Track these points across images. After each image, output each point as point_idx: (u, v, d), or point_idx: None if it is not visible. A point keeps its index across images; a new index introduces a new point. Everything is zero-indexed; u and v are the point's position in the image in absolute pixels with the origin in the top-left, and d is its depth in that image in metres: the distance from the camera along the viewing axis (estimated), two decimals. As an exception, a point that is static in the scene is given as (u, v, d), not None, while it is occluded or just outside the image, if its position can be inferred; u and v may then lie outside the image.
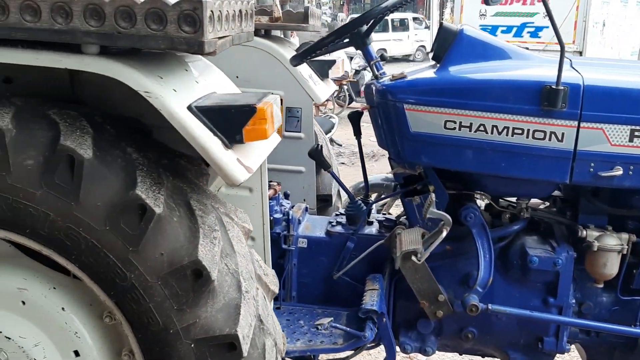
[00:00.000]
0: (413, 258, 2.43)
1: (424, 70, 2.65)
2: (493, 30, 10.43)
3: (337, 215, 3.07)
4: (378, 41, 23.61)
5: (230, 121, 1.73)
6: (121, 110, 2.03)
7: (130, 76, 1.69)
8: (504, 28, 10.43)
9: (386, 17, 3.34)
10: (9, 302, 1.97)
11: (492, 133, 2.39)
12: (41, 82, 2.09)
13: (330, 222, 2.98)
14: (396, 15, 25.25)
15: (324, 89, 3.82)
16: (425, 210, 2.43)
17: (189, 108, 1.73)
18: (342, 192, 3.78)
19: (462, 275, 2.72)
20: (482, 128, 2.40)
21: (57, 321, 1.97)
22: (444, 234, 2.40)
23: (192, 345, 1.80)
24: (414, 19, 28.62)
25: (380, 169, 7.93)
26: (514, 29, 10.42)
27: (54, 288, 1.99)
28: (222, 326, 1.80)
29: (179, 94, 1.74)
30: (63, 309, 1.97)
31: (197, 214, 1.86)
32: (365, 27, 2.69)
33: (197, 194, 1.95)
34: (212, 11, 1.61)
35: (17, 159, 1.73)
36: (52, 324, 1.97)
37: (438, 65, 2.58)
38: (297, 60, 2.82)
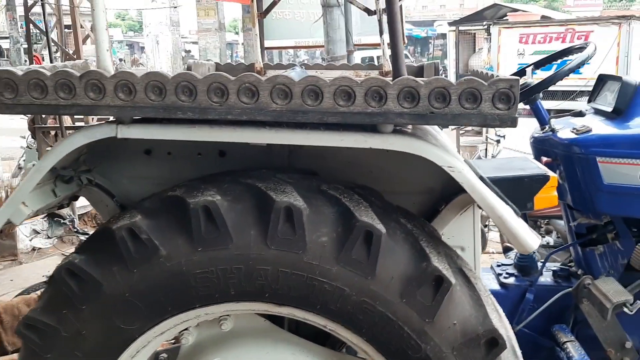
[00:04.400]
0: (625, 309, 2.47)
1: (605, 123, 2.72)
2: (532, 69, 10.54)
3: (499, 265, 3.11)
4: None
5: (522, 190, 1.79)
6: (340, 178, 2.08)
7: (432, 153, 1.74)
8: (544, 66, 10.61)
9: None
10: (281, 378, 1.98)
11: (687, 181, 2.46)
12: (255, 155, 2.16)
13: (497, 274, 3.02)
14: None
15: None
16: (637, 261, 2.47)
17: (482, 179, 1.78)
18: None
19: (648, 321, 2.75)
20: (682, 178, 2.47)
21: (329, 395, 1.98)
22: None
23: (485, 413, 1.81)
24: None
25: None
26: (554, 66, 10.58)
27: (321, 362, 2.01)
28: (513, 393, 1.82)
29: (469, 166, 1.80)
30: (332, 383, 1.99)
31: (471, 280, 1.89)
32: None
33: (459, 259, 1.99)
34: None
35: (313, 237, 1.77)
36: (320, 399, 1.98)
37: (619, 117, 2.66)
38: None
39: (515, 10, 15.42)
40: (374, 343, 1.82)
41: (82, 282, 1.83)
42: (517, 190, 1.78)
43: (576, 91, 7.98)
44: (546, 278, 2.96)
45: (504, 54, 11.11)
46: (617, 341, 2.69)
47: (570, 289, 2.76)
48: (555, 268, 3.00)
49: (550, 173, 1.78)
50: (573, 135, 2.65)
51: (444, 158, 1.74)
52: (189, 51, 38.03)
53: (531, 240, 1.78)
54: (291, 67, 3.02)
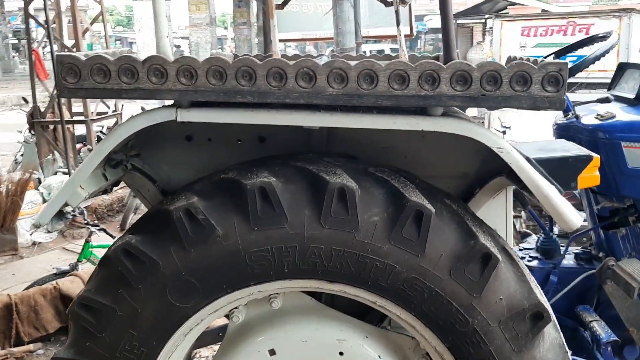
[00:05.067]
0: (651, 288, 2.56)
1: (628, 110, 2.80)
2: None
3: (521, 250, 3.19)
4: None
5: (567, 170, 1.86)
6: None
7: (483, 134, 1.81)
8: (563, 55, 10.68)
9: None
10: (328, 353, 2.05)
11: None
12: (294, 140, 2.22)
13: (520, 257, 3.09)
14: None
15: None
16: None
17: (528, 160, 1.85)
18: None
19: (669, 301, 2.84)
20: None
21: (373, 369, 2.05)
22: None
23: (528, 385, 1.88)
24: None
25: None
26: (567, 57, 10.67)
27: (367, 337, 2.08)
28: (555, 365, 1.90)
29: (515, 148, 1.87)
30: (379, 357, 2.06)
31: (513, 257, 1.97)
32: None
33: (500, 237, 2.06)
34: None
35: (365, 216, 1.83)
36: (369, 372, 2.05)
37: (640, 103, 2.74)
38: None
39: (514, 3, 15.54)
40: (422, 318, 1.89)
41: (138, 262, 1.89)
42: (562, 170, 1.86)
43: (581, 83, 8.12)
44: (569, 261, 3.05)
45: (506, 47, 11.22)
46: (639, 320, 2.78)
47: (593, 271, 2.85)
48: (577, 251, 3.08)
49: (593, 154, 1.86)
50: (597, 122, 2.73)
51: (493, 139, 1.81)
52: (179, 46, 37.91)
53: (575, 217, 1.85)
54: (319, 57, 3.07)
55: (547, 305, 1.88)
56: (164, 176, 2.40)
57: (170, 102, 1.90)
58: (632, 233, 2.83)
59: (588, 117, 2.82)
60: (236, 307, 2.08)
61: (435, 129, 1.83)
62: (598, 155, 1.85)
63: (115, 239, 2.30)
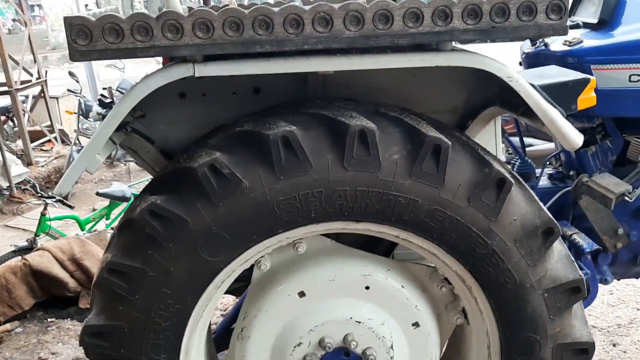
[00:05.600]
0: (625, 198, 2.77)
1: (594, 34, 2.95)
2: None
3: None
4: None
5: (567, 93, 1.98)
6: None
7: (493, 65, 1.89)
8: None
9: None
10: (355, 289, 2.14)
11: (671, 80, 2.76)
12: (289, 88, 2.25)
13: None
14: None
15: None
16: (634, 153, 2.77)
17: (533, 86, 1.96)
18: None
19: (635, 209, 3.09)
20: (663, 76, 2.75)
21: (399, 299, 2.17)
22: (653, 173, 2.76)
23: (544, 295, 2.04)
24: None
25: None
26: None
27: (389, 270, 2.18)
28: (566, 274, 2.06)
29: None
30: (402, 286, 2.17)
31: (519, 180, 2.10)
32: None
33: (504, 163, 2.18)
34: None
35: (385, 155, 1.90)
36: (395, 302, 2.16)
37: (604, 27, 2.90)
38: None
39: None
40: (444, 246, 2.00)
41: (167, 222, 1.90)
42: (563, 94, 1.98)
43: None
44: (544, 182, 3.24)
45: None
46: (611, 229, 3.02)
47: (569, 188, 3.05)
48: (550, 172, 3.28)
49: (589, 76, 1.98)
50: (566, 47, 2.87)
51: (503, 70, 1.89)
52: (87, 5, 36.00)
53: (577, 137, 1.99)
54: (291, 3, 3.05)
55: (555, 221, 2.03)
56: (162, 136, 2.37)
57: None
58: (600, 150, 3.04)
59: (556, 43, 2.96)
60: (262, 256, 2.13)
61: (449, 64, 1.89)
62: (594, 77, 1.98)
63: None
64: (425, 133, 1.91)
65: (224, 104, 2.31)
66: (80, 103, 9.57)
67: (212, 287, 2.00)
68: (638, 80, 2.77)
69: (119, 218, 2.13)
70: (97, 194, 6.34)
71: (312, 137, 1.90)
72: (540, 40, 3.02)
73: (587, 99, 2.00)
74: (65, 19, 1.71)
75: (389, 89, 2.30)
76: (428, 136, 1.90)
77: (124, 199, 6.27)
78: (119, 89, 11.42)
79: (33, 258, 4.47)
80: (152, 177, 2.43)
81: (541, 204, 2.05)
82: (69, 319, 4.40)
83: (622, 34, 2.83)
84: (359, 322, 2.13)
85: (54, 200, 5.55)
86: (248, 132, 1.94)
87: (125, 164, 10.32)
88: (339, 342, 2.13)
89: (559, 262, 2.08)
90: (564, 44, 2.92)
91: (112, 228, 6.12)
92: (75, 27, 1.71)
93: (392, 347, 2.15)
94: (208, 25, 1.74)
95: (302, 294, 2.13)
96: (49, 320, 4.38)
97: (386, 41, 1.81)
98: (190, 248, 1.92)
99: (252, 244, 1.96)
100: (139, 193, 6.94)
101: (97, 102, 9.34)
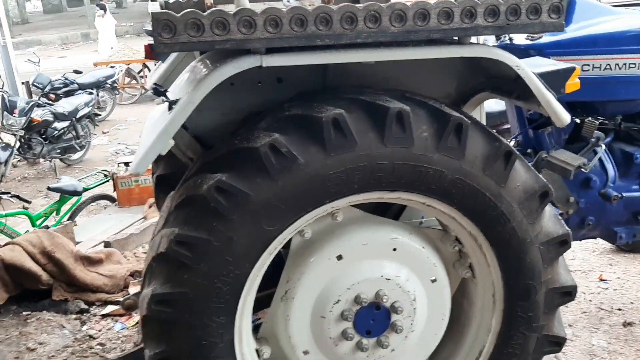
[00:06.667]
0: (582, 169, 3.26)
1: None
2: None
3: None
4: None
5: (557, 79, 2.40)
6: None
7: (505, 56, 2.26)
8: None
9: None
10: (384, 251, 2.47)
11: (614, 69, 3.28)
12: (309, 78, 2.54)
13: None
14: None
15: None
16: (588, 132, 3.26)
17: (534, 74, 2.35)
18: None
19: (582, 180, 3.61)
20: (608, 67, 3.27)
21: (420, 258, 2.51)
22: (603, 147, 3.27)
23: (540, 247, 2.45)
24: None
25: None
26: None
27: (411, 234, 2.52)
28: (556, 229, 2.49)
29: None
30: (423, 247, 2.52)
31: (517, 152, 2.49)
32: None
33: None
34: None
35: (417, 133, 2.23)
36: (417, 261, 2.51)
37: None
38: None
39: None
40: (462, 210, 2.37)
41: (230, 196, 2.13)
42: (554, 80, 2.39)
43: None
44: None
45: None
46: (564, 198, 3.53)
47: (530, 164, 3.52)
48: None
49: (575, 65, 2.40)
50: (529, 42, 3.33)
51: (513, 59, 2.27)
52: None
53: (566, 115, 2.41)
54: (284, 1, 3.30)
55: (550, 185, 2.45)
56: (193, 122, 2.57)
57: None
58: (555, 129, 3.53)
59: (519, 38, 3.41)
60: (305, 226, 2.40)
61: (472, 55, 2.25)
62: (579, 67, 2.40)
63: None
64: (450, 114, 2.26)
65: (250, 93, 2.55)
66: (3, 98, 9.23)
67: (266, 254, 2.25)
68: (587, 70, 3.28)
69: (176, 196, 2.32)
70: (49, 188, 6.27)
71: (356, 118, 2.20)
72: (505, 35, 3.46)
73: (572, 84, 2.42)
74: (153, 14, 1.91)
75: (394, 78, 2.62)
76: (452, 116, 2.26)
77: (75, 193, 6.26)
78: (35, 84, 11.07)
79: (4, 252, 4.44)
80: (183, 162, 2.65)
81: (536, 172, 2.46)
82: (44, 311, 4.42)
83: (573, 31, 3.33)
84: (388, 279, 2.46)
85: (9, 195, 5.46)
86: (300, 116, 2.21)
87: (50, 161, 10.08)
88: (372, 298, 2.44)
89: (549, 220, 2.51)
90: (527, 39, 3.37)
91: (62, 223, 6.08)
92: (161, 22, 1.91)
93: (415, 300, 2.50)
94: (277, 22, 1.99)
95: (339, 257, 2.42)
96: (24, 313, 4.37)
97: (423, 35, 2.14)
98: (251, 219, 2.16)
99: (302, 214, 2.23)
100: (93, 185, 6.75)
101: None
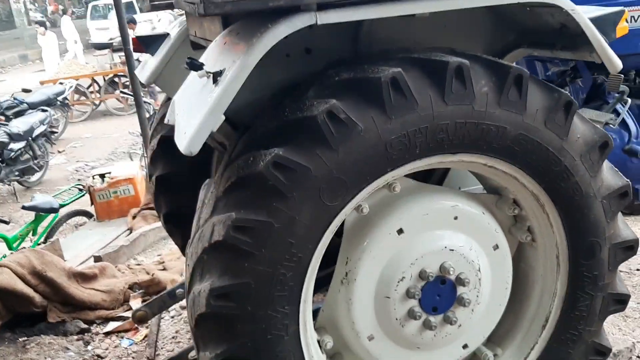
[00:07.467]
0: (610, 124, 3.19)
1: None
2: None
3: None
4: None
5: (608, 23, 2.29)
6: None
7: (563, 1, 2.14)
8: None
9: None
10: (445, 220, 2.31)
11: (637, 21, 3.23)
12: (338, 47, 2.38)
13: None
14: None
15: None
16: (613, 86, 3.19)
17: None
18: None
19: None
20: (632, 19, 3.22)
21: (482, 224, 2.37)
22: (629, 102, 3.20)
23: (602, 202, 2.34)
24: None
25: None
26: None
27: (469, 200, 2.37)
28: (616, 181, 2.38)
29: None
30: (483, 213, 2.37)
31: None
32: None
33: None
34: None
35: (477, 88, 2.09)
36: (478, 228, 2.36)
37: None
38: None
39: None
40: (525, 168, 2.23)
41: (289, 171, 1.94)
42: (605, 24, 2.28)
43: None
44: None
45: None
46: None
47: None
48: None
49: (623, 8, 2.31)
50: None
51: (569, 4, 2.15)
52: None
53: (619, 61, 2.30)
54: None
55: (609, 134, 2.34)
56: None
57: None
58: (573, 89, 3.48)
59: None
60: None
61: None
62: (627, 9, 2.31)
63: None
64: (508, 65, 2.13)
65: (279, 66, 2.36)
66: None
67: (328, 232, 2.07)
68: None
69: (222, 181, 2.10)
70: (23, 207, 5.89)
71: (413, 77, 2.04)
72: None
73: (622, 28, 2.33)
74: None
75: (427, 40, 2.47)
76: (512, 67, 2.12)
77: (52, 210, 5.90)
78: None
79: (-8, 276, 4.08)
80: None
81: (592, 123, 2.35)
82: (42, 335, 4.09)
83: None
84: (452, 250, 2.30)
85: (-16, 217, 5.07)
86: (355, 79, 2.03)
87: (9, 185, 9.57)
88: (437, 271, 2.28)
89: (608, 172, 2.40)
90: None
91: (39, 244, 5.71)
92: None
93: (479, 270, 2.35)
94: None
95: (400, 231, 2.25)
96: (21, 339, 4.03)
97: None
98: (312, 195, 1.98)
99: (364, 186, 2.05)
100: (69, 200, 6.45)
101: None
